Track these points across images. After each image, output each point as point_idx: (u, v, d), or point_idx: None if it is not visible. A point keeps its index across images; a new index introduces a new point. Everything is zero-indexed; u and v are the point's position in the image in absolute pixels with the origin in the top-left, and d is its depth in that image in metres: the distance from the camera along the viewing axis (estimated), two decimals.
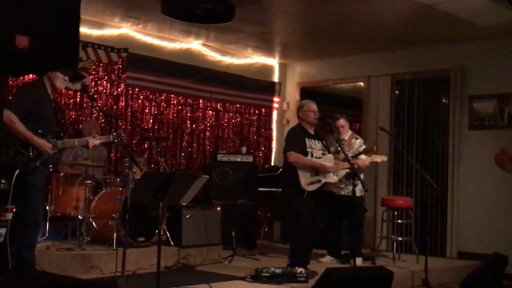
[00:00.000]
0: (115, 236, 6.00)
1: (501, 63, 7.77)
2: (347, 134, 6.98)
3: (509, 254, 6.69)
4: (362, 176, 6.69)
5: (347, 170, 6.53)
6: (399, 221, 7.48)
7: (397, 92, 8.76)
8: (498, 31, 7.39)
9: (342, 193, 6.76)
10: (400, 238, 7.57)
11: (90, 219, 6.21)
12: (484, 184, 7.81)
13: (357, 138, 7.04)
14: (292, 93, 9.85)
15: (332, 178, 6.30)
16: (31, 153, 4.87)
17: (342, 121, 6.90)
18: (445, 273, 6.84)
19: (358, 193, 6.63)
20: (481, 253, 7.22)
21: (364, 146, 6.95)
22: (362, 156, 6.84)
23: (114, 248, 5.87)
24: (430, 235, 8.06)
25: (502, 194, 7.65)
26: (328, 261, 6.89)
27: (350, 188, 6.29)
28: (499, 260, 6.60)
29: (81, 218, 6.23)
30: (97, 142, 5.43)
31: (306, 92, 9.55)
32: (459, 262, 7.51)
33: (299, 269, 5.57)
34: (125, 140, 5.71)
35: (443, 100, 8.38)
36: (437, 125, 8.37)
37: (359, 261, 6.56)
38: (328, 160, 6.25)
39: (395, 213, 7.35)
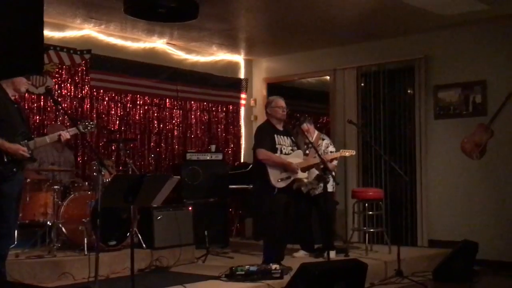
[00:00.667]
0: (85, 241, 5.90)
1: (464, 52, 7.87)
2: (313, 135, 6.98)
3: (479, 241, 6.83)
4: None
5: (317, 173, 6.55)
6: (370, 212, 7.54)
7: (363, 84, 8.81)
8: (460, 20, 7.48)
9: (317, 192, 6.82)
10: (371, 230, 7.64)
11: (60, 225, 6.10)
12: (452, 172, 7.91)
13: (323, 139, 7.06)
14: (259, 89, 9.84)
15: (302, 174, 6.30)
16: (5, 159, 4.76)
17: (305, 126, 6.85)
18: (417, 262, 6.91)
19: (329, 189, 6.70)
20: (452, 241, 7.32)
21: (331, 147, 6.97)
22: (324, 143, 6.95)
23: (86, 253, 5.78)
24: (401, 225, 8.17)
25: (469, 181, 7.76)
26: (301, 256, 6.90)
27: (322, 185, 6.33)
28: (469, 247, 6.73)
29: (50, 224, 6.11)
30: (68, 135, 5.35)
31: (273, 88, 9.55)
32: (431, 250, 7.60)
33: (273, 266, 5.57)
34: (94, 128, 5.65)
35: (409, 91, 8.46)
36: (404, 115, 8.44)
37: (332, 254, 6.59)
38: (297, 156, 6.25)
39: (366, 204, 7.41)
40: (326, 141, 7.06)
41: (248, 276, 5.42)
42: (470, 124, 7.75)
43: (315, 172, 6.67)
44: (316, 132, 7.11)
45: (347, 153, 6.87)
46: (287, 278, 5.28)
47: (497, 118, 7.52)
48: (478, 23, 7.62)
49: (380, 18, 7.46)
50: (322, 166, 6.06)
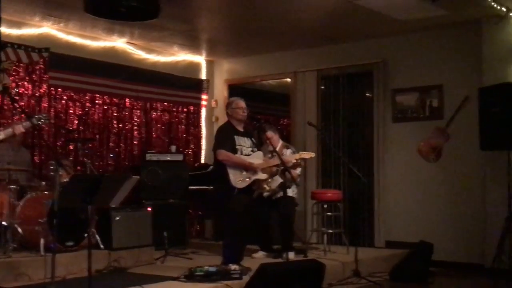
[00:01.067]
0: (42, 242, 5.81)
1: (422, 57, 8.02)
2: (277, 144, 7.03)
3: (435, 242, 6.98)
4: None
5: (281, 181, 6.61)
6: (329, 213, 7.62)
7: (323, 87, 8.90)
8: (418, 25, 7.62)
9: (278, 195, 6.87)
10: (330, 230, 7.71)
11: (16, 225, 6.00)
12: (409, 174, 8.05)
13: (288, 148, 7.13)
14: (220, 90, 9.84)
15: (262, 175, 6.33)
16: None
17: (269, 133, 6.90)
18: (374, 263, 7.01)
19: (290, 194, 6.79)
20: (408, 242, 7.45)
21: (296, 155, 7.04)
22: (289, 152, 6.99)
23: (42, 254, 5.69)
24: (360, 226, 8.27)
25: (426, 184, 7.91)
26: (261, 256, 6.93)
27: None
28: (425, 248, 6.87)
29: (6, 224, 5.99)
30: (23, 129, 5.29)
31: (234, 89, 9.56)
32: (388, 251, 7.71)
33: (233, 266, 5.58)
34: (48, 121, 5.59)
35: (368, 94, 8.59)
36: (362, 118, 8.57)
37: (291, 255, 6.65)
38: (257, 157, 6.28)
39: (325, 206, 7.48)
40: (291, 150, 7.13)
41: (207, 277, 5.42)
42: (427, 128, 7.91)
43: (278, 180, 6.73)
44: (281, 142, 7.19)
45: (306, 155, 6.94)
46: (246, 278, 5.30)
47: (453, 121, 7.69)
48: (435, 29, 7.78)
49: (340, 22, 7.55)
50: (282, 168, 6.11)
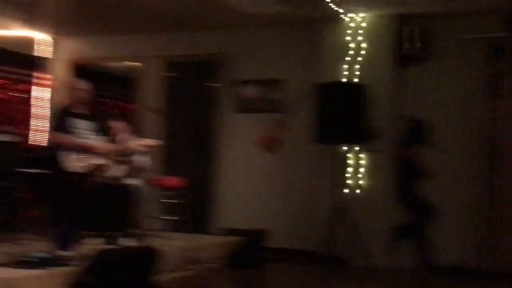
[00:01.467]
0: None
1: (267, 51, 8.29)
2: (125, 134, 6.92)
3: (272, 229, 7.26)
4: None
5: (125, 168, 6.51)
6: (171, 200, 7.62)
7: (169, 74, 8.88)
8: (265, 20, 7.86)
9: (118, 182, 6.78)
10: (171, 217, 7.71)
11: None
12: (250, 164, 8.29)
13: (136, 139, 7.05)
14: (62, 69, 9.42)
15: (100, 160, 6.17)
16: None
17: (113, 123, 6.77)
18: (213, 249, 7.10)
19: (134, 181, 6.72)
20: (247, 229, 7.65)
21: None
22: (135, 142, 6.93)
23: None
24: (200, 214, 8.37)
25: (265, 173, 8.20)
26: (96, 242, 6.75)
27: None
28: (258, 235, 7.15)
29: None
30: None
31: (78, 70, 9.21)
32: (226, 238, 7.83)
33: (66, 252, 5.41)
34: None
35: (213, 84, 8.69)
36: (207, 107, 8.67)
37: (128, 241, 6.57)
38: (98, 142, 6.11)
39: (167, 193, 7.47)
40: (140, 141, 7.04)
41: (39, 263, 5.18)
42: (268, 120, 8.17)
43: (122, 168, 6.62)
44: (129, 134, 7.08)
45: (151, 142, 6.90)
46: (80, 265, 5.14)
47: (293, 115, 8.01)
48: (281, 25, 8.07)
49: (190, 10, 7.59)
50: (126, 155, 6.04)
